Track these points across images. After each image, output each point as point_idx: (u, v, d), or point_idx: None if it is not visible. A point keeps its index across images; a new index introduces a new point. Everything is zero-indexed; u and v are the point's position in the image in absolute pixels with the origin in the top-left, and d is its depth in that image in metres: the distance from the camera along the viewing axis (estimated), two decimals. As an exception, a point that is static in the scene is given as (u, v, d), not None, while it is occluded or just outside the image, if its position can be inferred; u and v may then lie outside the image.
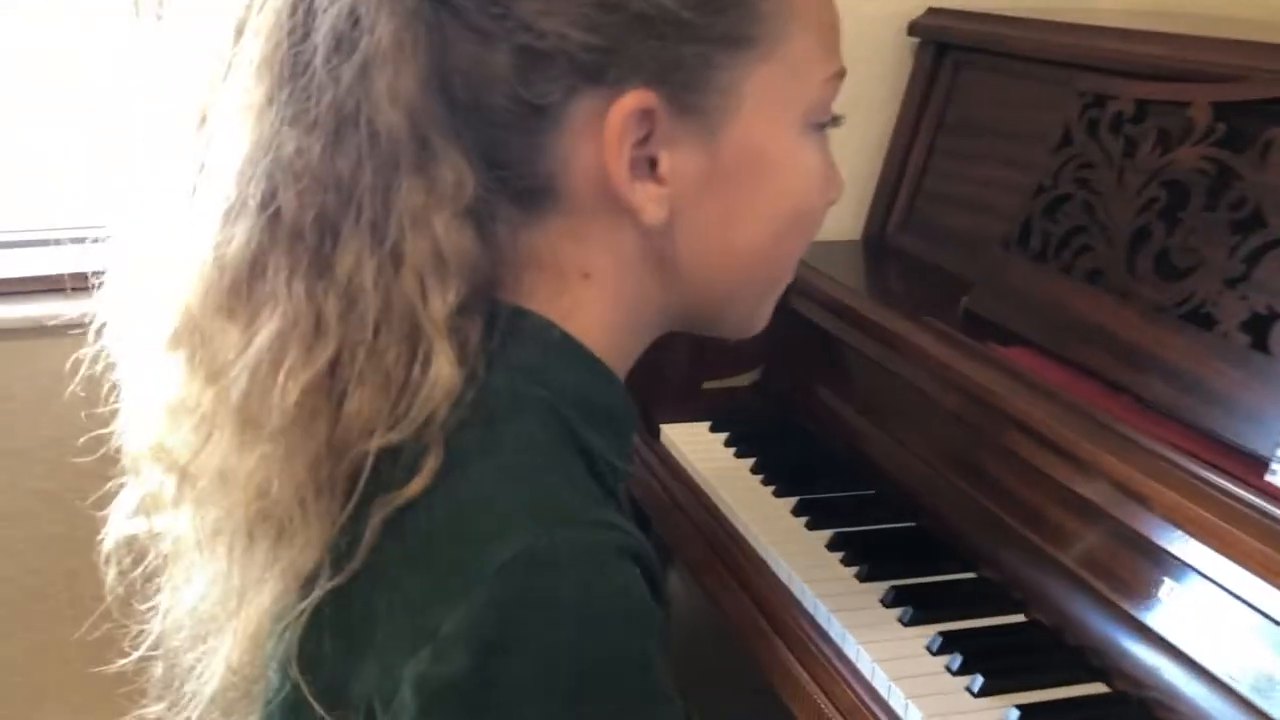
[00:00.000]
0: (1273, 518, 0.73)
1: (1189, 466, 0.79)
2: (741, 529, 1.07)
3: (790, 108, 0.59)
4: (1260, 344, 0.82)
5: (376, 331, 0.53)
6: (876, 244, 1.39)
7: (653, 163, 0.57)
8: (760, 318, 0.68)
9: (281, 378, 0.53)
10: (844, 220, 1.43)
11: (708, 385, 1.37)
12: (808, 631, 0.93)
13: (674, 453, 1.24)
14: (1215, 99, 0.92)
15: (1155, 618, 0.82)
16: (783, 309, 1.29)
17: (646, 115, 0.55)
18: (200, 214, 0.55)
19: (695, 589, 1.46)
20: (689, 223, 0.59)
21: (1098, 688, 0.84)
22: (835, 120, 0.63)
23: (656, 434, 1.28)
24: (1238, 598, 0.76)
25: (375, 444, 0.53)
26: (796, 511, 1.08)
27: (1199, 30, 1.06)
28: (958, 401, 1.02)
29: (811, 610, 0.95)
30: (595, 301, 0.60)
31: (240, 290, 0.54)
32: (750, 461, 1.18)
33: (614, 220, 0.58)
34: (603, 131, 0.55)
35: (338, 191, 0.53)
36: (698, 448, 1.23)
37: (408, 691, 0.49)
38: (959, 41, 1.31)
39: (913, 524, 1.06)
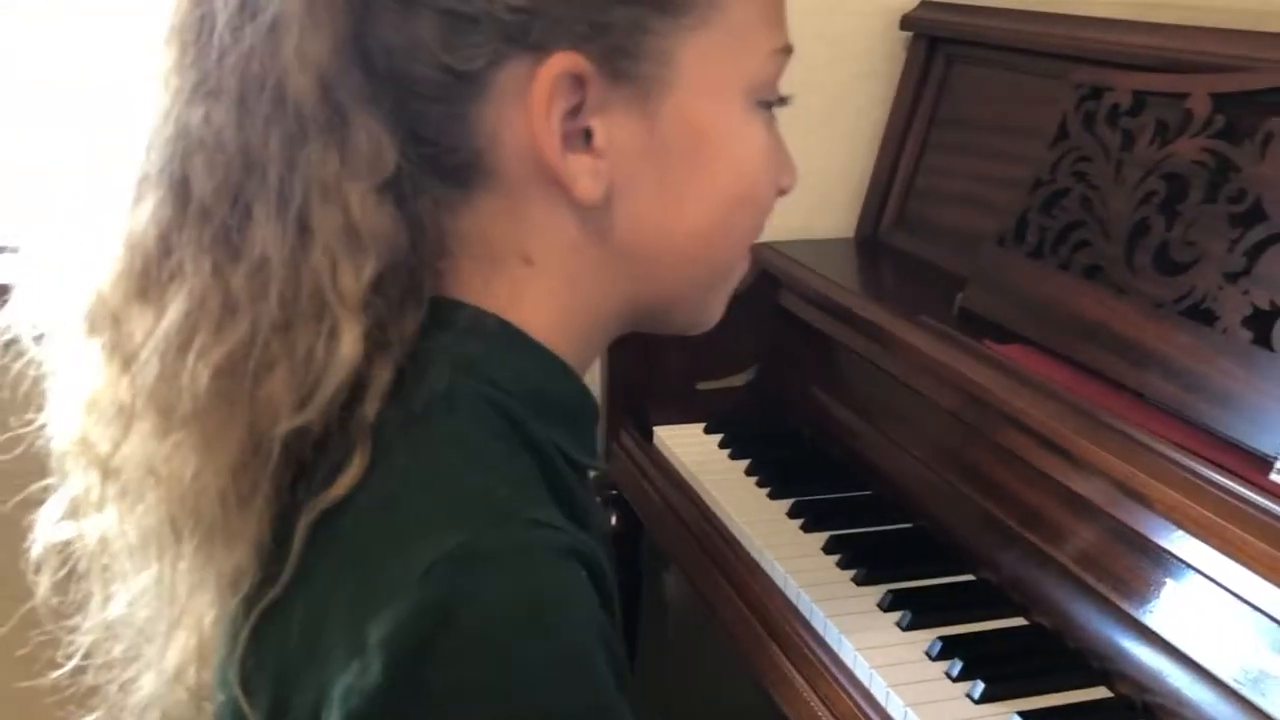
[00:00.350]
0: (1276, 517, 0.71)
1: (1190, 465, 0.77)
2: (736, 532, 1.06)
3: (732, 81, 0.57)
4: (1263, 340, 0.80)
5: (286, 310, 0.51)
6: (870, 242, 1.38)
7: (588, 135, 0.54)
8: (712, 312, 0.64)
9: (191, 360, 0.50)
10: (837, 218, 1.42)
11: (701, 386, 1.36)
12: (803, 636, 0.91)
13: (667, 455, 1.22)
14: (1214, 90, 0.90)
15: (1157, 620, 0.81)
16: (776, 309, 1.30)
17: (577, 81, 0.53)
18: (113, 192, 0.53)
19: (690, 593, 1.45)
20: (629, 202, 0.56)
21: (1100, 692, 0.83)
22: (783, 100, 0.60)
23: (649, 436, 1.26)
24: (1241, 599, 0.74)
25: (283, 428, 0.50)
26: (792, 514, 1.06)
27: (1196, 20, 1.04)
28: (954, 400, 1.00)
29: (807, 614, 0.93)
30: (540, 289, 0.57)
31: (150, 270, 0.52)
32: (745, 463, 1.17)
33: (550, 199, 0.55)
34: (531, 99, 0.52)
35: (245, 162, 0.50)
36: (691, 449, 1.21)
37: (335, 706, 0.47)
38: (952, 35, 1.30)
39: (910, 525, 1.05)
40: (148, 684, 0.58)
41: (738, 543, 1.05)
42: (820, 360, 1.25)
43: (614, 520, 1.35)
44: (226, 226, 0.51)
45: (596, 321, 0.60)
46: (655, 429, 1.26)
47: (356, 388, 0.51)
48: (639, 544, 1.38)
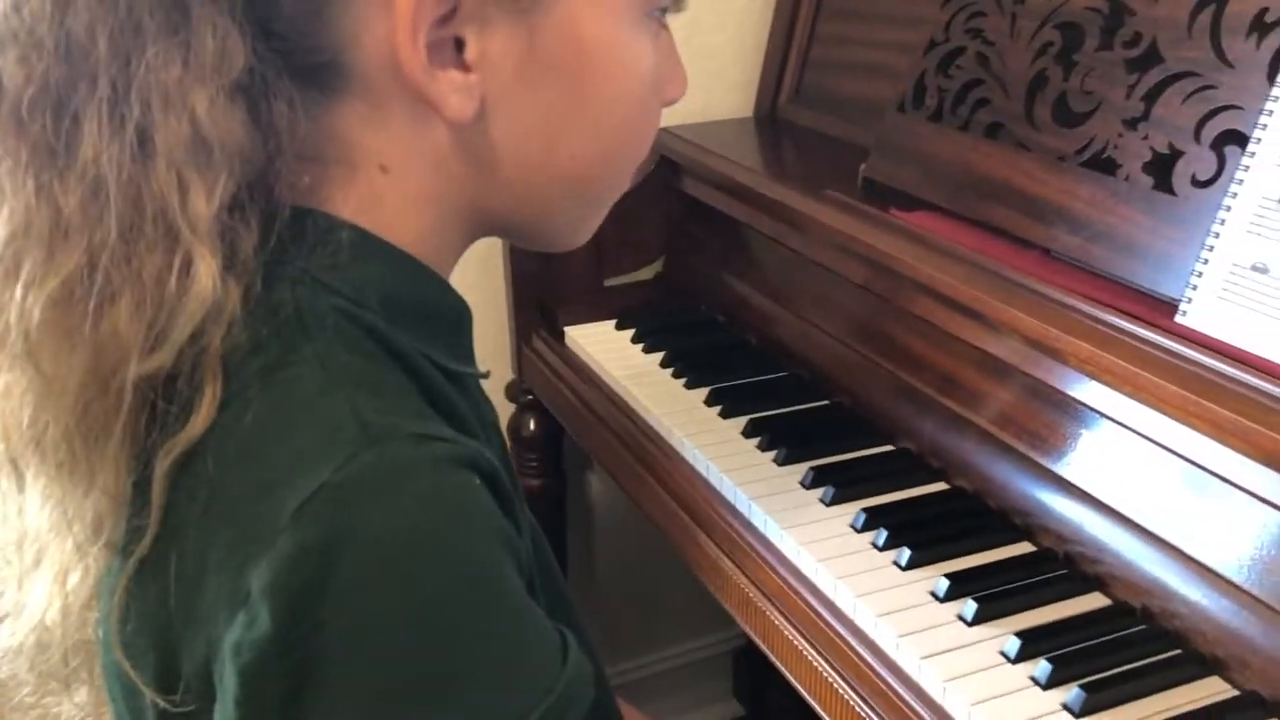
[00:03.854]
0: (1184, 359, 0.72)
1: (1100, 315, 0.77)
2: (654, 424, 1.04)
3: None
4: (1164, 184, 0.80)
5: (126, 235, 0.46)
6: (769, 119, 1.35)
7: (459, 45, 0.50)
8: (587, 230, 0.61)
9: (19, 292, 0.46)
10: (735, 97, 1.38)
11: (610, 283, 1.33)
12: (729, 521, 0.91)
13: (580, 354, 1.20)
14: (1104, -68, 0.88)
15: (1075, 472, 0.81)
16: (679, 196, 1.27)
17: None
18: None
19: (616, 491, 1.44)
20: (506, 118, 0.52)
21: (1024, 547, 0.84)
22: (677, 3, 0.56)
23: (561, 337, 1.23)
24: (1155, 443, 0.75)
25: (134, 371, 0.46)
26: (709, 401, 1.05)
27: None
28: (864, 273, 0.99)
29: (732, 499, 0.92)
30: (398, 197, 0.52)
31: None
32: (659, 356, 1.15)
33: (417, 109, 0.50)
34: (395, 6, 0.47)
35: (69, 61, 0.45)
36: (604, 347, 1.19)
37: (227, 663, 0.43)
38: (838, -103, 1.25)
39: (828, 402, 1.04)
40: (16, 633, 0.54)
41: (657, 435, 1.03)
42: (727, 245, 1.23)
43: (532, 425, 1.34)
44: (51, 137, 0.45)
45: (457, 230, 0.56)
46: (566, 329, 1.23)
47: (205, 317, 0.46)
48: (559, 447, 1.36)
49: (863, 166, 1.05)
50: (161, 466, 0.46)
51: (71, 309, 0.46)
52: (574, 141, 0.54)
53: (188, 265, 0.46)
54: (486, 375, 0.59)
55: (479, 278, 1.30)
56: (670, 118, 1.29)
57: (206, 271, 0.46)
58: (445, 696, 0.43)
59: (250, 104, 0.47)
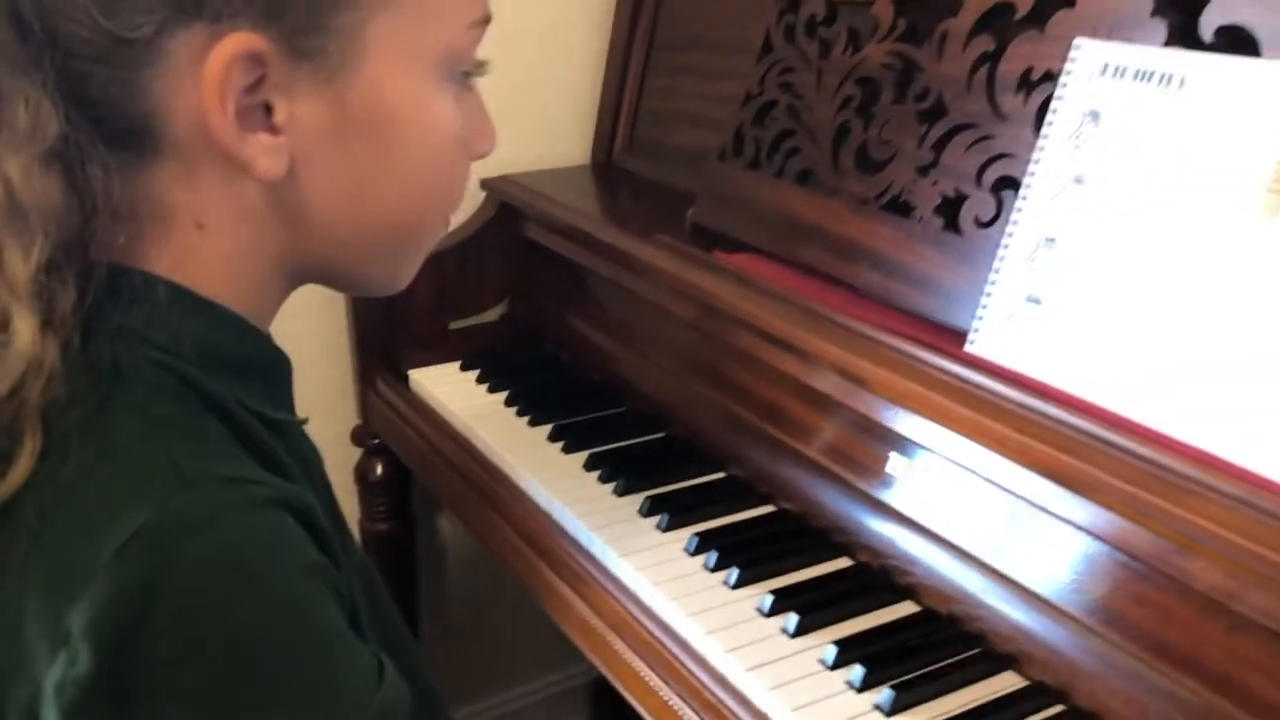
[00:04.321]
0: (972, 384, 0.79)
1: (898, 346, 0.84)
2: (499, 461, 1.07)
3: (423, 56, 0.55)
4: (952, 225, 0.88)
5: None
6: (605, 168, 1.40)
7: (269, 110, 0.52)
8: (405, 275, 0.63)
9: None
10: (572, 147, 1.44)
11: (455, 325, 1.36)
12: (570, 552, 0.94)
13: (425, 397, 1.22)
14: (894, -3, 0.96)
15: (887, 492, 0.88)
16: (521, 241, 1.31)
17: (254, 60, 0.50)
18: None
19: (465, 532, 1.46)
20: (317, 175, 0.55)
21: (842, 563, 0.90)
22: (480, 67, 0.60)
23: (405, 381, 1.25)
24: (952, 460, 0.82)
25: None
26: (552, 438, 1.09)
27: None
28: (692, 311, 1.04)
29: (573, 531, 0.96)
30: (213, 252, 0.55)
31: None
32: (503, 395, 1.18)
33: (227, 169, 0.53)
34: (203, 78, 0.50)
35: None
36: (449, 388, 1.21)
37: (50, 703, 0.45)
38: (662, -43, 1.33)
39: (663, 435, 1.09)
40: None
41: (501, 472, 1.06)
42: (568, 287, 1.27)
43: (379, 470, 1.34)
44: None
45: (275, 281, 0.59)
46: (410, 373, 1.25)
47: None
48: (408, 490, 1.38)
49: (690, 212, 1.11)
50: None
51: None
52: (384, 195, 0.57)
53: (5, 324, 0.48)
54: (305, 421, 0.62)
55: (321, 324, 1.31)
56: (512, 166, 1.35)
57: (25, 329, 0.48)
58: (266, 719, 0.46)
59: (65, 169, 0.49)
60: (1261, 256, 0.68)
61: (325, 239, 0.57)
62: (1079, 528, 0.74)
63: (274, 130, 0.52)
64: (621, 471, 1.01)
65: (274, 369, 0.59)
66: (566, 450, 1.07)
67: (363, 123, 0.54)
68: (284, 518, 0.49)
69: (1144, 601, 0.71)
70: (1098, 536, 0.73)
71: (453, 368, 1.26)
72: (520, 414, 1.14)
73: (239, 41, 0.50)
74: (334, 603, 0.49)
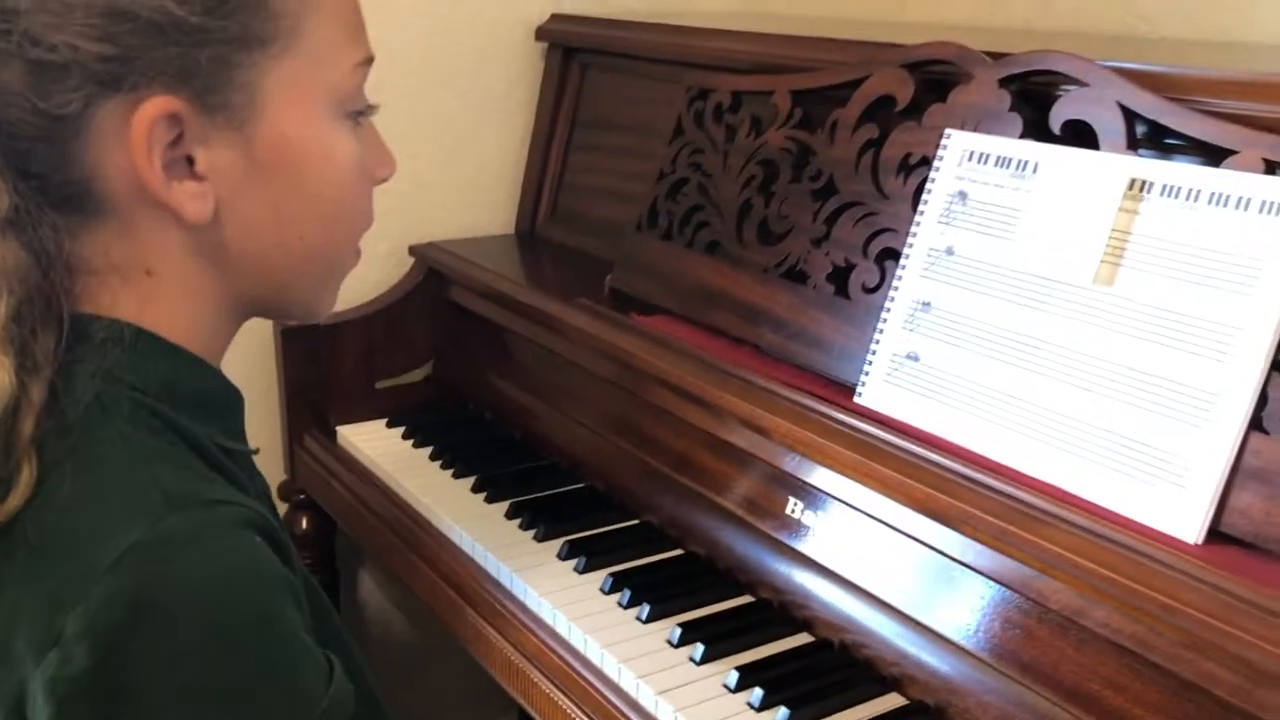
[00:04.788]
0: (860, 431, 0.88)
1: (795, 398, 0.93)
2: (424, 511, 1.13)
3: (318, 98, 0.62)
4: (842, 291, 0.98)
5: None
6: (529, 236, 1.49)
7: (190, 160, 0.59)
8: (325, 303, 0.71)
9: None
10: (498, 216, 1.52)
11: (381, 384, 1.41)
12: (493, 593, 1.00)
13: (352, 451, 1.27)
14: (792, 87, 1.07)
15: (785, 533, 0.96)
16: (447, 304, 1.38)
17: (173, 119, 0.57)
18: None
19: (388, 586, 1.50)
20: (238, 215, 0.62)
21: (745, 599, 0.97)
22: (370, 107, 0.67)
23: (333, 436, 1.31)
24: (842, 501, 0.90)
25: None
26: (475, 489, 1.15)
27: (786, 30, 1.22)
28: (610, 369, 1.12)
29: (495, 573, 1.02)
30: (165, 296, 0.62)
31: None
32: (428, 450, 1.24)
33: (162, 219, 0.60)
34: (129, 139, 0.57)
35: None
36: (375, 443, 1.27)
37: (40, 699, 0.51)
38: (583, 44, 1.43)
39: (583, 485, 1.16)
40: None
41: (426, 521, 1.12)
42: (492, 348, 1.35)
43: (304, 524, 1.39)
44: None
45: (221, 316, 0.66)
46: (338, 429, 1.30)
47: (13, 410, 0.55)
48: (332, 544, 1.42)
49: (608, 278, 1.20)
50: None
51: None
52: (300, 224, 0.65)
53: None
54: (256, 451, 0.69)
55: (250, 381, 1.35)
56: (439, 233, 1.42)
57: (3, 372, 0.54)
58: (239, 712, 0.52)
59: (19, 234, 0.56)
60: (1099, 317, 0.79)
61: (254, 270, 0.65)
62: (953, 559, 0.82)
63: (198, 178, 0.60)
64: (541, 519, 1.08)
65: (229, 402, 0.66)
66: (489, 500, 1.13)
67: (273, 162, 0.62)
68: (254, 536, 0.56)
69: (1009, 623, 0.80)
70: (969, 566, 0.81)
71: (379, 424, 1.32)
72: (445, 467, 1.20)
73: (157, 105, 0.57)
74: (295, 610, 0.56)
